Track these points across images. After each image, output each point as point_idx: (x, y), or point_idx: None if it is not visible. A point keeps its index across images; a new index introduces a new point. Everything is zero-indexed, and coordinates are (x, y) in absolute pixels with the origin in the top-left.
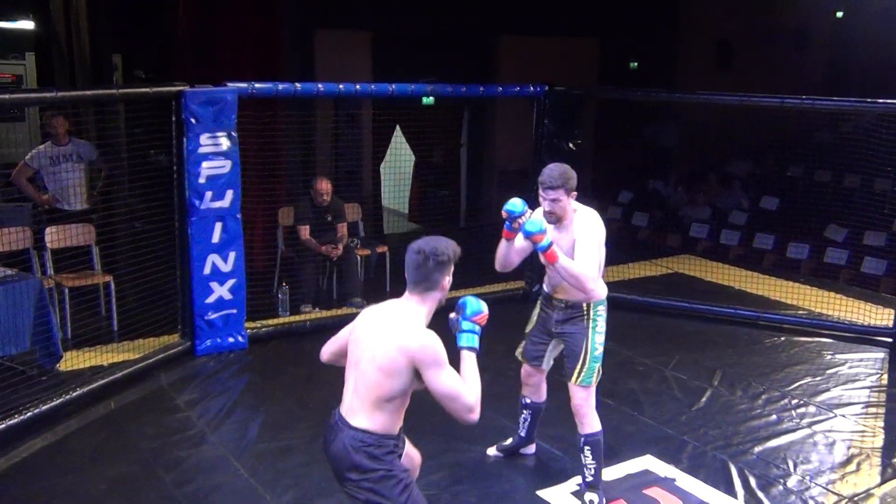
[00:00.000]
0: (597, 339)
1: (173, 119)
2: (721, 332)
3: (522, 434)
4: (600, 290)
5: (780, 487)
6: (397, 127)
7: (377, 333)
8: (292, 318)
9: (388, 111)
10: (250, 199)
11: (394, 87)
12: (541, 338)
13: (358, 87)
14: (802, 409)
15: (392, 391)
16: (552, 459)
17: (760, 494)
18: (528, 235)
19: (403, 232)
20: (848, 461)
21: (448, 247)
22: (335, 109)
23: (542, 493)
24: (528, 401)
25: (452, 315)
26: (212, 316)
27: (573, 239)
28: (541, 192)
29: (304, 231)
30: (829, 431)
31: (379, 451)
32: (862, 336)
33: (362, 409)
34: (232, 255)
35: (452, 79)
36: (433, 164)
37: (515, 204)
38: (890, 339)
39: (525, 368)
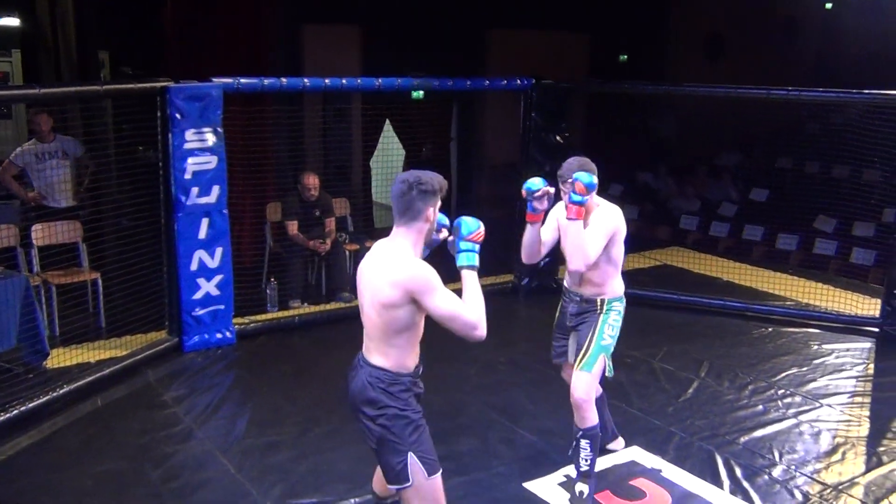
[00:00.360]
0: (606, 329)
1: (158, 115)
2: (709, 323)
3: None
4: (616, 287)
5: (766, 477)
6: (387, 122)
7: (371, 273)
8: (280, 314)
9: (377, 106)
10: (237, 194)
11: (380, 81)
12: (561, 334)
13: (344, 81)
14: (789, 399)
15: (397, 326)
16: (539, 452)
17: (746, 484)
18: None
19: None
20: (833, 450)
21: (433, 178)
22: (324, 104)
23: (528, 484)
24: None
25: (450, 237)
26: (199, 312)
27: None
28: (561, 186)
29: (293, 226)
30: (815, 421)
31: (394, 388)
32: (849, 326)
33: (376, 348)
34: (219, 251)
35: (442, 73)
36: (423, 158)
37: (534, 182)
38: (877, 329)
39: (563, 369)
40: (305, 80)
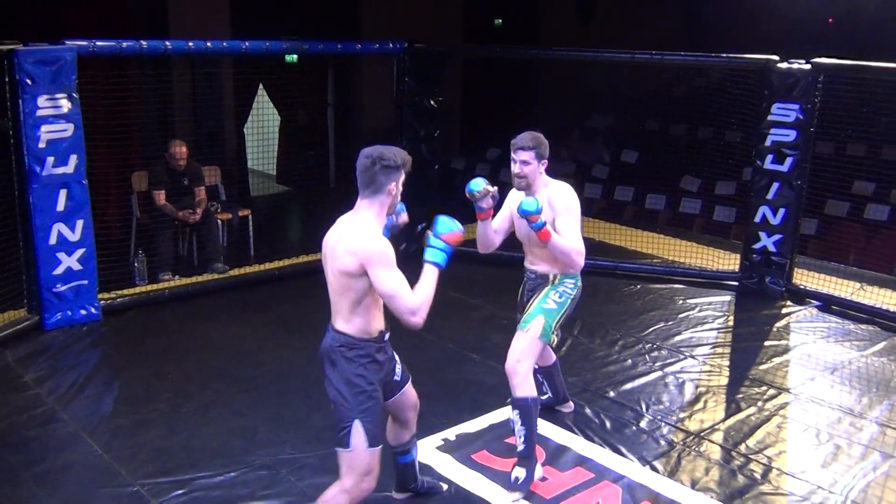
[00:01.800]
0: (552, 294)
1: (6, 80)
2: (582, 282)
3: (549, 395)
4: (565, 264)
5: (634, 428)
6: (260, 86)
7: (333, 242)
8: (150, 287)
9: (249, 70)
10: (100, 164)
11: (247, 44)
12: (520, 312)
13: (209, 44)
14: (655, 353)
15: (356, 294)
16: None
17: (615, 435)
18: (524, 214)
19: (271, 194)
20: (696, 400)
21: (396, 153)
22: (192, 68)
23: None
24: (536, 365)
25: (428, 231)
26: (61, 288)
27: (553, 215)
28: (512, 154)
29: (160, 196)
30: (680, 373)
31: (352, 352)
32: (712, 281)
33: (339, 314)
34: (80, 224)
35: (316, 36)
36: (299, 124)
37: (477, 183)
38: (736, 283)
39: None
40: (168, 43)
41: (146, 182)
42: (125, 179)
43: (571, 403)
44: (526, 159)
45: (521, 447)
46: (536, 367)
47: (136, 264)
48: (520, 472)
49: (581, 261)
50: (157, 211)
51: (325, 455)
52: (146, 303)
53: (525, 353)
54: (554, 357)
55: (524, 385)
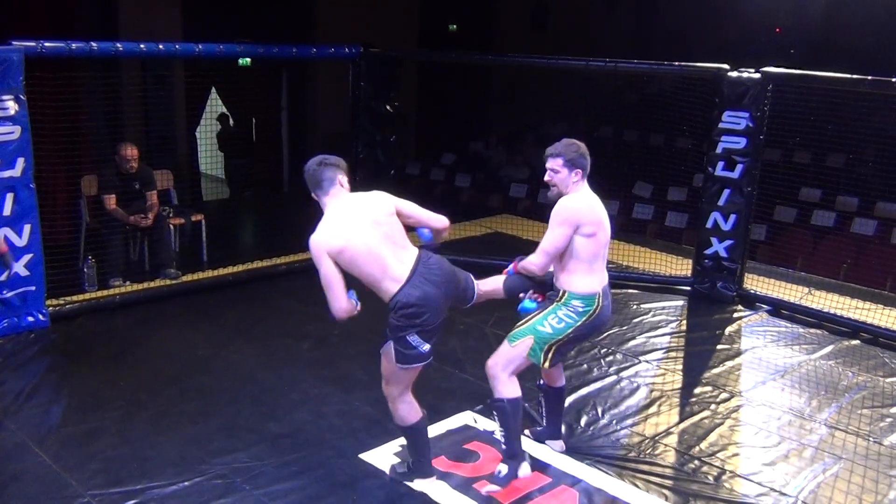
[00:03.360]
0: (550, 318)
1: None
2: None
3: (543, 426)
4: (577, 283)
5: (590, 432)
6: (212, 90)
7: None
8: (100, 293)
9: (201, 73)
10: (48, 167)
11: (201, 47)
12: None
13: (161, 46)
14: (610, 358)
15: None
16: (374, 422)
17: (572, 440)
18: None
19: (223, 199)
20: (650, 403)
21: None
22: (143, 70)
23: (364, 455)
24: (542, 381)
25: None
26: (7, 294)
27: None
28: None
29: (110, 200)
30: (634, 377)
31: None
32: (664, 286)
33: None
34: (27, 228)
35: (269, 39)
36: (251, 128)
37: (527, 305)
38: (689, 288)
39: None
40: (118, 45)
41: (96, 186)
42: (74, 183)
43: (563, 443)
44: (553, 167)
45: (503, 446)
46: (542, 383)
47: (85, 270)
48: (502, 468)
49: (540, 260)
50: (108, 216)
51: (281, 463)
52: (96, 309)
53: (506, 360)
54: (562, 381)
55: (501, 387)
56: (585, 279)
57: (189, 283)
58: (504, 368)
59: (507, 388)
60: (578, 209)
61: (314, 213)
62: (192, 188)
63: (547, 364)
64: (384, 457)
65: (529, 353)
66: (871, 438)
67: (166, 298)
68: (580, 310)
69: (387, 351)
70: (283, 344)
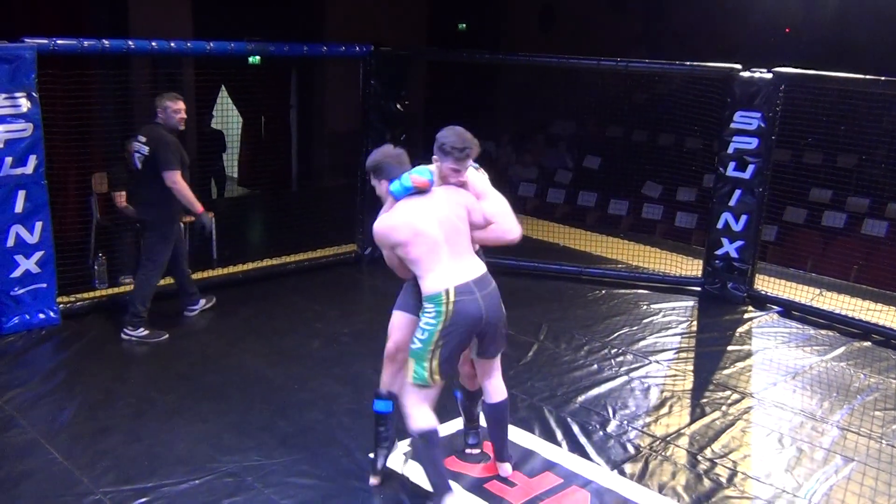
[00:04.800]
0: (416, 333)
1: None
2: (547, 287)
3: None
4: (424, 287)
5: (601, 433)
6: (222, 88)
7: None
8: (110, 291)
9: (211, 71)
10: (59, 164)
11: (212, 45)
12: None
13: (173, 44)
14: (621, 358)
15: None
16: None
17: (583, 440)
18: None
19: (233, 196)
20: (661, 404)
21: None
22: (153, 68)
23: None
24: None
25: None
26: (19, 291)
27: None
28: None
29: (121, 198)
30: (645, 377)
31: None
32: (674, 286)
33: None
34: (38, 226)
35: (278, 38)
36: (263, 126)
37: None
38: (699, 289)
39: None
40: (130, 43)
41: (106, 183)
42: (85, 180)
43: (509, 467)
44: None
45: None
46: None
47: (95, 267)
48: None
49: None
50: (118, 213)
51: (291, 461)
52: (106, 306)
53: (404, 392)
54: (499, 397)
55: (408, 421)
56: (428, 281)
57: (199, 282)
58: (406, 401)
59: (414, 419)
60: (379, 233)
61: (323, 212)
62: (201, 186)
63: (437, 378)
64: (394, 455)
65: (413, 377)
66: (883, 441)
67: (175, 296)
68: (432, 312)
69: (406, 371)
70: (293, 342)
